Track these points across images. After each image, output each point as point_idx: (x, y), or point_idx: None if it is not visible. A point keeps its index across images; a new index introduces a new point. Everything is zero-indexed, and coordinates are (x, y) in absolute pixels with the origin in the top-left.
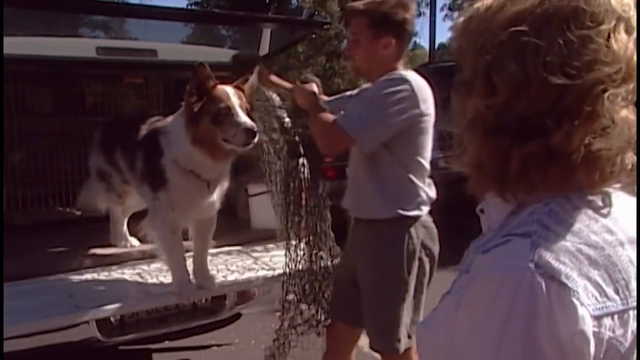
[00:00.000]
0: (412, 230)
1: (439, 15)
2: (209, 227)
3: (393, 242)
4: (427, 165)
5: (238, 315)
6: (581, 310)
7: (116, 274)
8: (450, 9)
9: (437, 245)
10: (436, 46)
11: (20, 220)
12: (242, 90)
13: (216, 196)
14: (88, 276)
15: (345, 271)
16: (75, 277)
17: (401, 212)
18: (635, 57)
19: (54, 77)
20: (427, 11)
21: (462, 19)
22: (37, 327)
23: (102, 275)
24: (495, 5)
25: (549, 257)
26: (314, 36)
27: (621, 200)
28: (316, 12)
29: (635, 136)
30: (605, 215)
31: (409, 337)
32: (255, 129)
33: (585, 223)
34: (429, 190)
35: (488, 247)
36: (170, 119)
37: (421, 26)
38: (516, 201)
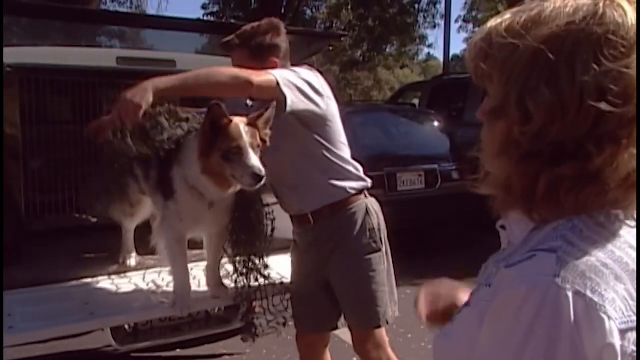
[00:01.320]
0: (368, 203)
1: (454, 27)
2: (220, 239)
3: (357, 219)
4: (336, 136)
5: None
6: (609, 324)
7: (131, 281)
8: (465, 20)
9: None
10: (450, 57)
11: (37, 226)
12: (257, 126)
13: (221, 213)
14: (104, 283)
15: (303, 279)
16: (92, 284)
17: (353, 188)
18: None
19: (74, 86)
20: (442, 23)
21: (479, 41)
22: (52, 334)
23: (118, 282)
24: (517, 28)
25: (575, 272)
26: (331, 48)
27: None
28: (333, 23)
29: None
30: (627, 232)
31: (396, 303)
32: (263, 173)
33: (609, 239)
34: (348, 158)
35: (512, 262)
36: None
37: (436, 38)
38: (541, 219)
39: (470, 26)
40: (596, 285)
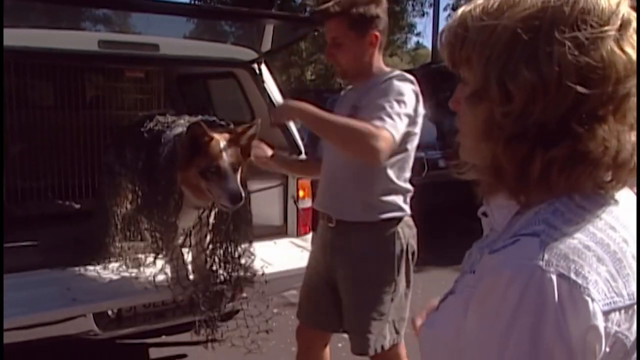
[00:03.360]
0: (400, 230)
1: (443, 15)
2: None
3: (382, 245)
4: (408, 163)
5: (236, 312)
6: (592, 306)
7: (114, 267)
8: (453, 9)
9: (416, 243)
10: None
11: (19, 212)
12: (239, 144)
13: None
14: (86, 269)
15: (318, 275)
16: (74, 271)
17: (389, 214)
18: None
19: (55, 70)
20: (431, 11)
21: (454, 27)
22: (34, 320)
23: (100, 268)
24: (492, 11)
25: (558, 255)
26: (316, 33)
27: (624, 197)
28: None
29: None
30: (608, 213)
31: (397, 332)
32: (242, 195)
33: (590, 221)
34: (409, 187)
35: (496, 247)
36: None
37: (424, 26)
38: (526, 203)
39: None
40: (579, 268)
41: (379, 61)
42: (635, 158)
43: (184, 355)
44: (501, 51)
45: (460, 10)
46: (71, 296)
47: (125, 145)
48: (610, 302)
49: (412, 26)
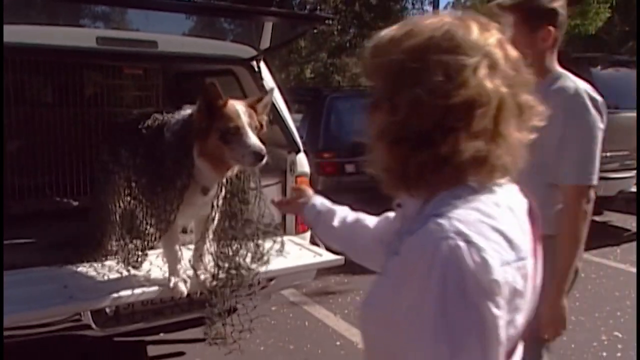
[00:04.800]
0: None
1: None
2: (207, 224)
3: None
4: None
5: (234, 309)
6: (491, 261)
7: (112, 265)
8: (453, 7)
9: None
10: None
11: (17, 209)
12: (255, 109)
13: (210, 197)
14: (84, 267)
15: None
16: (71, 268)
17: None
18: (504, 92)
19: (53, 67)
20: (431, 9)
21: (369, 47)
22: (31, 317)
23: (98, 266)
24: (396, 38)
25: (462, 227)
26: (315, 31)
27: (507, 186)
28: (319, 7)
29: (519, 152)
30: (494, 196)
31: None
32: (264, 152)
33: (482, 201)
34: None
35: (413, 229)
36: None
37: None
38: (422, 197)
39: (459, 13)
40: (480, 235)
41: (551, 60)
42: (494, 161)
43: (182, 353)
44: (393, 74)
45: (379, 35)
46: (68, 294)
47: (126, 137)
48: (502, 259)
49: None
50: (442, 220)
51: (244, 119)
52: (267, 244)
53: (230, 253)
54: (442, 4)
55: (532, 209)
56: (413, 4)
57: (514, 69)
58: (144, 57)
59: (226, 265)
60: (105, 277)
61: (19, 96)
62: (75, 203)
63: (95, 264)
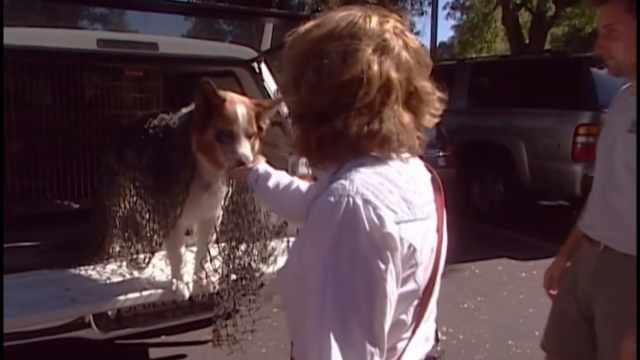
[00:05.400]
0: None
1: (441, 14)
2: (210, 227)
3: None
4: None
5: (236, 311)
6: (386, 219)
7: (114, 267)
8: (452, 7)
9: None
10: (437, 45)
11: (18, 211)
12: (259, 112)
13: (216, 198)
14: (85, 269)
15: (572, 300)
16: (73, 271)
17: None
18: (393, 75)
19: (53, 69)
20: (429, 10)
21: (288, 39)
22: (33, 320)
23: (100, 268)
24: (307, 30)
25: (362, 188)
26: None
27: (412, 160)
28: (319, 8)
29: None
30: (397, 164)
31: None
32: (248, 161)
33: (384, 167)
34: None
35: (320, 192)
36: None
37: (423, 25)
38: (327, 168)
39: (458, 13)
40: (377, 195)
41: None
42: (389, 135)
43: (184, 356)
44: (300, 60)
45: (295, 31)
46: (70, 297)
47: (132, 137)
48: (399, 218)
49: (411, 25)
50: (344, 182)
51: (241, 123)
52: (274, 244)
53: (238, 254)
54: (440, 4)
55: (435, 180)
56: (412, 4)
57: (412, 57)
58: (144, 59)
59: (232, 266)
60: (107, 280)
61: (20, 98)
62: (77, 205)
63: (97, 267)
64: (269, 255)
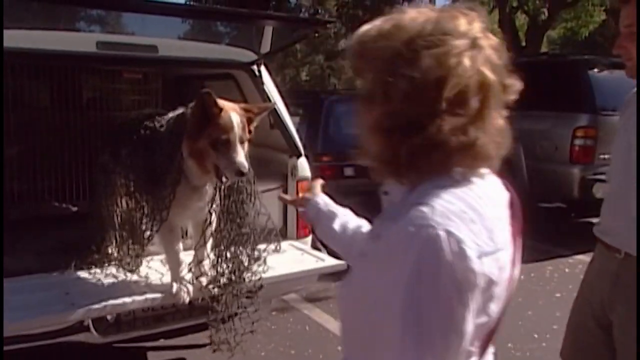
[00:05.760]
0: None
1: None
2: (205, 228)
3: None
4: None
5: (234, 315)
6: (469, 253)
7: (113, 271)
8: None
9: None
10: None
11: (16, 214)
12: (249, 117)
13: (204, 201)
14: (85, 273)
15: (587, 310)
16: (72, 275)
17: None
18: (490, 77)
19: (52, 71)
20: None
21: (354, 44)
22: (32, 324)
23: (99, 272)
24: (385, 31)
25: (444, 218)
26: (316, 35)
27: (489, 178)
28: (318, 11)
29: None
30: (476, 187)
31: None
32: (246, 170)
33: (466, 192)
34: None
35: (396, 216)
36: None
37: None
38: (411, 184)
39: (440, 6)
40: (460, 225)
41: None
42: (479, 149)
43: (183, 359)
44: (386, 68)
45: (361, 30)
46: (70, 301)
47: (125, 137)
48: (481, 250)
49: None
50: (424, 208)
51: (237, 131)
52: (263, 246)
53: (229, 256)
54: (438, 4)
55: (513, 202)
56: (410, 5)
57: (500, 57)
58: (144, 62)
59: (226, 269)
60: (107, 284)
61: (19, 100)
62: (75, 208)
63: (96, 270)
64: (258, 258)
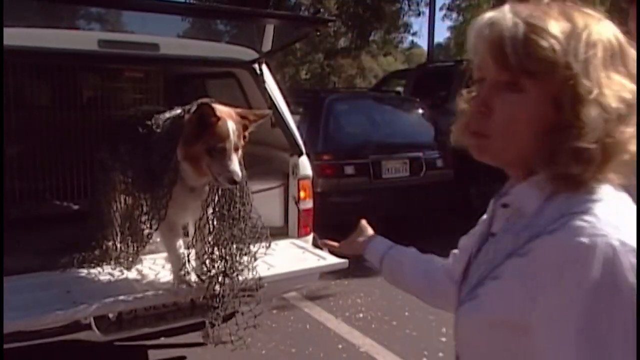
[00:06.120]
0: None
1: (438, 15)
2: (201, 227)
3: None
4: None
5: (234, 313)
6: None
7: (115, 269)
8: (449, 9)
9: None
10: (434, 46)
11: (17, 214)
12: (245, 124)
13: (201, 200)
14: (86, 271)
15: None
16: (74, 273)
17: None
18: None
19: (54, 70)
20: (427, 11)
21: (518, 36)
22: (34, 323)
23: (101, 270)
24: (579, 30)
25: (612, 226)
26: (318, 34)
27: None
28: (319, 10)
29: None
30: (623, 195)
31: None
32: (239, 179)
33: (621, 199)
34: None
35: (551, 229)
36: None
37: (420, 26)
38: (554, 189)
39: (455, 14)
40: (629, 234)
41: None
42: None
43: (183, 357)
44: (554, 71)
45: (524, 21)
46: (72, 299)
47: (124, 135)
48: None
49: (407, 26)
50: (588, 217)
51: (232, 139)
52: (255, 245)
53: (223, 253)
54: (437, 5)
55: None
56: (409, 5)
57: None
58: (146, 60)
59: (221, 267)
60: (108, 282)
61: (19, 99)
62: (76, 207)
63: (98, 268)
64: (253, 258)
